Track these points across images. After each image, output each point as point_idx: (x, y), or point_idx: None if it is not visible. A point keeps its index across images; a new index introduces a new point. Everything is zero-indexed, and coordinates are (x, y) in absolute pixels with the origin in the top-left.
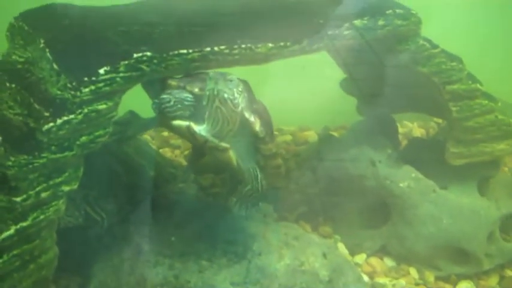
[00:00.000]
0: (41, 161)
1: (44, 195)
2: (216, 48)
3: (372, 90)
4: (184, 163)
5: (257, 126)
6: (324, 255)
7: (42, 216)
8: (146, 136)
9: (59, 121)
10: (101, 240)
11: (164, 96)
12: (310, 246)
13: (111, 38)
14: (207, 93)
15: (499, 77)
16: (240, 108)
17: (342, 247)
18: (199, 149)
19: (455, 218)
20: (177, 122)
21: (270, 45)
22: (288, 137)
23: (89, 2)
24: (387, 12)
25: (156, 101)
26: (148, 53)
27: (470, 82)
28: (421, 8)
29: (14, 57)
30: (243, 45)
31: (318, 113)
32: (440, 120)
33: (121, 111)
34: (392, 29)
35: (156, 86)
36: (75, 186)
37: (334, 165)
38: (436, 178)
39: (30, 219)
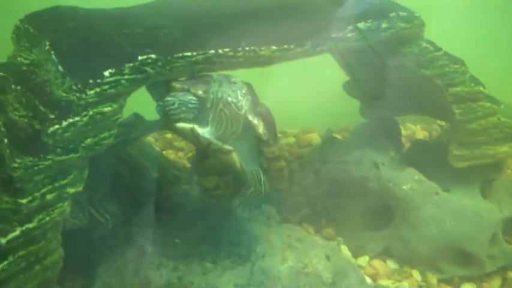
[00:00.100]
0: (47, 163)
1: (49, 197)
2: (220, 51)
3: (374, 93)
4: (188, 165)
5: (260, 129)
6: (327, 258)
7: (47, 218)
8: (150, 138)
9: (64, 123)
10: (105, 241)
11: (168, 98)
12: (314, 248)
13: (116, 41)
14: (211, 95)
15: (501, 79)
16: (243, 110)
17: (345, 249)
18: (203, 151)
19: (458, 220)
20: (181, 125)
21: (274, 47)
22: (291, 140)
23: (94, 4)
24: (391, 15)
25: (161, 103)
26: (153, 56)
27: (473, 84)
28: (421, 9)
29: (19, 59)
30: (247, 48)
31: (321, 115)
32: (443, 123)
33: (125, 113)
34: (396, 32)
35: (160, 89)
36: (80, 188)
37: (337, 167)
38: (439, 180)
39: (35, 220)
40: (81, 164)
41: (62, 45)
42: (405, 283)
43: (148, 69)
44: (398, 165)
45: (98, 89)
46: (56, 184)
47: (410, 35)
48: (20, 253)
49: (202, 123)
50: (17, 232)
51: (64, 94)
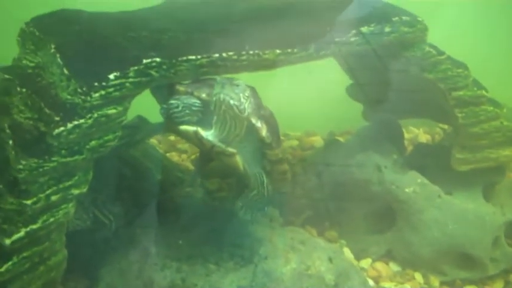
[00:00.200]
0: (51, 164)
1: (54, 198)
2: (224, 54)
3: (377, 96)
4: (191, 167)
5: (264, 132)
6: (330, 260)
7: (52, 219)
8: (153, 140)
9: (69, 125)
10: (109, 243)
11: (172, 101)
12: (316, 250)
13: (120, 44)
14: (213, 98)
15: (503, 82)
16: (246, 113)
17: (347, 252)
18: (206, 153)
19: (460, 223)
20: (184, 127)
21: (278, 51)
22: (294, 142)
23: (99, 7)
24: (394, 19)
25: (164, 106)
26: (158, 59)
27: (475, 88)
28: (421, 9)
29: (24, 62)
30: (251, 52)
31: (324, 118)
32: (445, 126)
33: (130, 115)
34: (399, 36)
35: (164, 92)
36: (85, 190)
37: (340, 170)
38: (441, 184)
39: (40, 221)
40: (86, 166)
41: (67, 48)
42: (407, 285)
43: (152, 72)
44: (401, 169)
45: (102, 92)
46: (61, 185)
47: (413, 39)
48: (25, 254)
49: (206, 126)
50: (22, 233)
51: (69, 97)
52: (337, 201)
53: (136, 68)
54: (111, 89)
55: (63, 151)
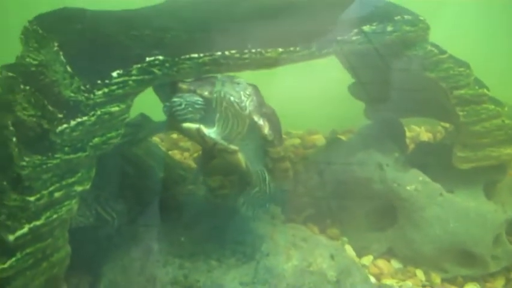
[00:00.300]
0: (55, 161)
1: (57, 195)
2: (226, 53)
3: (379, 95)
4: (193, 165)
5: (266, 130)
6: (332, 257)
7: (55, 216)
8: (155, 138)
9: (72, 123)
10: (111, 240)
11: (175, 99)
12: (318, 247)
13: (123, 42)
14: (214, 95)
15: (504, 80)
16: (247, 111)
17: (349, 249)
18: (208, 151)
19: (461, 221)
20: (187, 125)
21: (280, 49)
22: (296, 141)
23: (102, 5)
24: (396, 18)
25: (167, 104)
26: (161, 57)
27: (477, 87)
28: (424, 8)
29: (28, 59)
30: (253, 50)
31: (326, 116)
32: (447, 125)
33: (132, 113)
34: (401, 35)
35: (167, 90)
36: (88, 187)
37: (342, 168)
38: (443, 182)
39: (43, 218)
40: (89, 163)
41: (70, 46)
42: (409, 282)
43: (155, 70)
44: (403, 167)
45: (105, 90)
46: (64, 182)
47: (415, 38)
48: (28, 250)
49: (208, 123)
50: (25, 229)
51: (72, 94)
52: (339, 199)
53: (139, 66)
54: (114, 87)
55: (66, 148)
